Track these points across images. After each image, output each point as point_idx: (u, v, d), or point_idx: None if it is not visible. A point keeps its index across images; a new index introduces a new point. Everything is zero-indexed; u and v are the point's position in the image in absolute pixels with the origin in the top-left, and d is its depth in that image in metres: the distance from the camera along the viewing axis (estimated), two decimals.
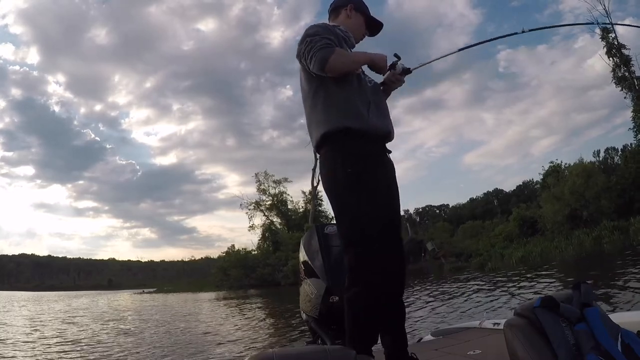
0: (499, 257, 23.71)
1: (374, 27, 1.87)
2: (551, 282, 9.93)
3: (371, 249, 1.52)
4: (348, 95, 1.62)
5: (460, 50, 2.02)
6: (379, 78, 1.82)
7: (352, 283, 1.57)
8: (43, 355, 6.73)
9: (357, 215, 1.55)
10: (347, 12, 1.82)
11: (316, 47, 1.57)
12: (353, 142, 1.58)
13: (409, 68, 1.82)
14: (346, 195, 1.58)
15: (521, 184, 53.25)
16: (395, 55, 1.79)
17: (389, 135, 1.72)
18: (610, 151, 32.70)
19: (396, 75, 1.79)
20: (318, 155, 1.71)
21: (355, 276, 1.56)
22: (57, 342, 8.04)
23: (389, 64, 1.75)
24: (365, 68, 1.75)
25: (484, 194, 61.74)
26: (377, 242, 1.52)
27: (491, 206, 55.66)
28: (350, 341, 1.58)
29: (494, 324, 2.40)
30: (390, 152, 1.75)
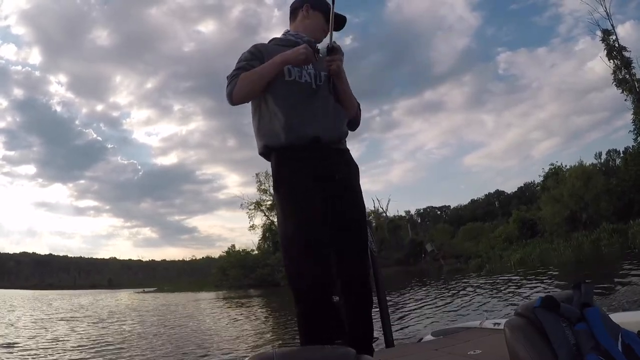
0: (497, 259, 23.70)
1: (336, 22, 1.69)
2: (547, 285, 9.94)
3: (294, 264, 1.54)
4: (272, 109, 1.60)
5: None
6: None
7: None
8: (43, 355, 6.74)
9: (281, 234, 1.59)
10: (304, 12, 1.77)
11: (229, 79, 1.60)
12: (278, 161, 1.59)
13: (332, 46, 1.60)
14: (279, 217, 1.61)
15: (522, 185, 53.14)
16: (310, 45, 1.61)
17: (317, 140, 1.59)
18: (612, 153, 32.63)
19: (327, 60, 1.61)
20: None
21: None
22: (57, 341, 8.04)
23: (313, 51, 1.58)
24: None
25: (485, 195, 61.65)
26: (298, 258, 1.53)
27: (492, 208, 55.62)
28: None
29: (494, 324, 2.40)
30: (344, 153, 1.70)
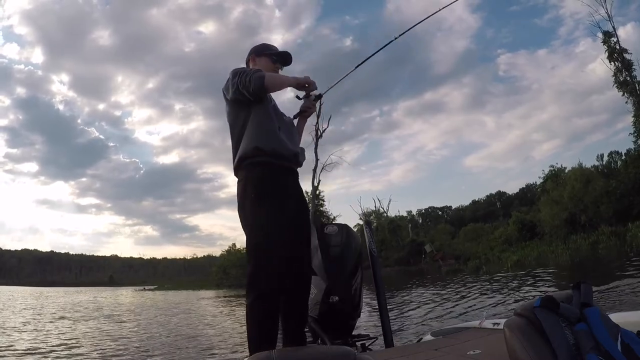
0: (496, 260, 23.67)
1: (283, 59, 2.12)
2: (541, 286, 9.94)
3: (267, 264, 1.72)
4: (263, 121, 1.88)
5: (357, 67, 2.30)
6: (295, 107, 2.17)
7: (249, 291, 1.76)
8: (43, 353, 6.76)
9: (257, 233, 1.77)
10: (252, 61, 2.11)
11: (250, 72, 1.85)
12: (262, 167, 1.82)
13: (320, 94, 2.19)
14: (251, 216, 1.80)
15: (524, 186, 53.08)
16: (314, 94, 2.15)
17: (296, 157, 1.96)
18: (613, 155, 32.51)
19: (311, 101, 2.14)
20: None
21: (250, 285, 1.76)
22: (56, 339, 8.07)
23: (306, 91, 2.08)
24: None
25: (487, 196, 61.62)
26: (273, 258, 1.72)
27: (494, 208, 55.57)
28: (250, 344, 1.72)
29: (494, 323, 2.40)
30: (297, 175, 2.01)
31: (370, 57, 2.35)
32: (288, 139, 1.93)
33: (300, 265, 1.88)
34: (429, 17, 2.44)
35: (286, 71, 2.16)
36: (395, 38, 2.34)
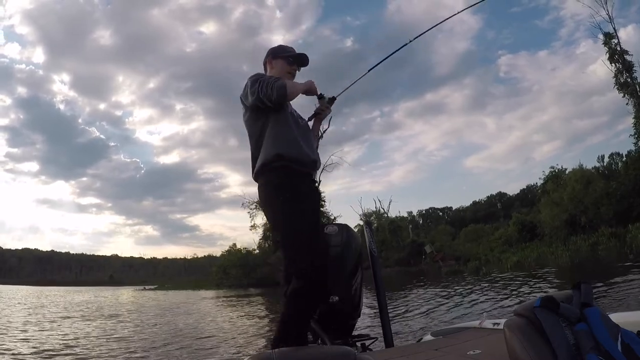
0: (496, 261, 23.64)
1: (299, 61, 2.18)
2: (540, 287, 9.94)
3: (301, 262, 1.84)
4: (283, 129, 1.95)
5: (370, 70, 2.37)
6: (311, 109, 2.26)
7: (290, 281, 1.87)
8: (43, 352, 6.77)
9: (289, 234, 1.89)
10: (269, 64, 2.18)
11: (271, 81, 1.88)
12: (284, 171, 1.90)
13: (334, 96, 2.25)
14: (280, 218, 1.91)
15: (525, 187, 53.07)
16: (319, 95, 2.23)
17: (315, 164, 2.05)
18: (614, 156, 32.44)
19: (325, 104, 2.21)
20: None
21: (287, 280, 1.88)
22: (59, 339, 8.07)
23: (318, 94, 2.18)
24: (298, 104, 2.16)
25: (487, 197, 61.62)
26: (305, 254, 1.84)
27: (494, 209, 55.58)
28: (286, 332, 1.83)
29: (494, 323, 2.40)
30: (317, 181, 2.11)
31: (384, 60, 2.43)
32: (307, 146, 2.01)
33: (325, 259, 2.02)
34: (447, 19, 2.49)
35: (301, 72, 2.22)
36: (410, 41, 2.40)
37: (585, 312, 1.21)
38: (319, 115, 2.26)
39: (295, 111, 2.15)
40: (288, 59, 2.14)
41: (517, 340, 1.22)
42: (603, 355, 1.09)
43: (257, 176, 1.99)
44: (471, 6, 2.43)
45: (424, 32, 2.47)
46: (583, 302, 1.24)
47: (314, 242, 1.89)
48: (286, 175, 1.91)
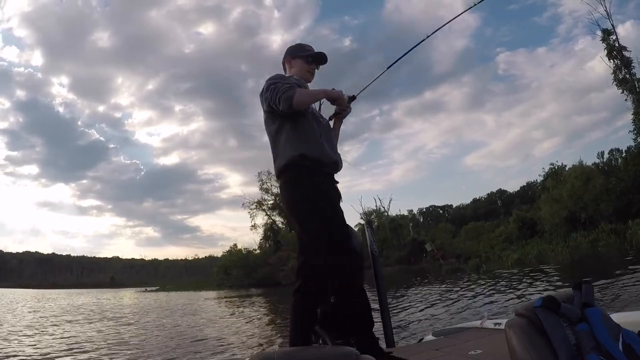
0: (496, 258, 23.64)
1: (318, 59, 2.19)
2: (541, 285, 9.94)
3: (321, 259, 1.88)
4: (304, 129, 1.98)
5: (389, 67, 2.39)
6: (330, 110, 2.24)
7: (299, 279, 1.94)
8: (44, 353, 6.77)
9: (309, 231, 1.92)
10: (288, 63, 2.21)
11: (281, 90, 1.91)
12: (307, 171, 1.93)
13: (354, 95, 2.26)
14: (299, 218, 1.95)
15: (525, 184, 53.09)
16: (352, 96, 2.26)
17: (336, 165, 2.08)
18: (614, 152, 32.44)
19: (345, 104, 2.19)
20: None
21: (300, 277, 1.94)
22: (63, 343, 8.08)
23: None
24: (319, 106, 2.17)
25: (488, 194, 61.59)
26: (321, 254, 1.88)
27: (495, 207, 55.54)
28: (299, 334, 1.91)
29: (495, 324, 2.40)
30: (337, 182, 2.13)
31: (403, 56, 2.46)
32: (329, 146, 2.05)
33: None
34: (457, 16, 2.53)
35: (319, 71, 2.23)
36: (427, 36, 2.42)
37: (586, 312, 1.21)
38: (340, 115, 2.27)
39: (316, 110, 2.15)
40: (307, 58, 2.16)
41: (518, 340, 1.22)
42: (604, 356, 1.08)
43: (278, 175, 2.03)
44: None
45: (443, 26, 2.50)
46: (584, 302, 1.24)
47: (332, 241, 1.91)
48: (308, 175, 1.94)
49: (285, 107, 1.88)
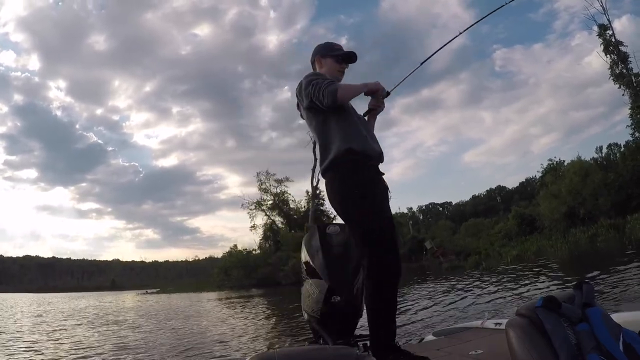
0: (496, 255, 23.64)
1: (348, 58, 2.19)
2: (540, 282, 9.96)
3: (381, 250, 1.95)
4: (348, 124, 1.99)
5: (422, 63, 2.40)
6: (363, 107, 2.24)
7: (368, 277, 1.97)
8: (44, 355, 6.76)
9: (364, 226, 1.93)
10: (317, 62, 2.20)
11: (324, 85, 1.92)
12: (355, 165, 1.93)
13: (388, 91, 2.23)
14: (353, 212, 1.96)
15: (524, 180, 53.19)
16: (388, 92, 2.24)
17: (381, 156, 2.09)
18: (612, 147, 32.51)
19: (380, 99, 2.18)
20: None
21: (369, 273, 1.96)
22: (65, 346, 8.06)
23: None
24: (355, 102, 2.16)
25: (487, 191, 61.72)
26: (384, 245, 1.94)
27: (494, 203, 55.64)
28: (380, 323, 1.96)
29: (496, 324, 2.40)
30: (383, 173, 2.11)
31: (437, 51, 2.49)
32: (372, 139, 2.07)
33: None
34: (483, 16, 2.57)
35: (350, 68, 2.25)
36: (460, 33, 2.45)
37: (586, 312, 1.20)
38: (374, 111, 2.25)
39: (351, 105, 2.16)
40: (337, 57, 2.17)
41: (518, 340, 1.22)
42: (605, 356, 1.08)
43: (325, 171, 2.02)
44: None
45: (475, 23, 2.57)
46: (585, 302, 1.24)
47: (386, 233, 1.96)
48: (356, 169, 1.95)
49: (330, 101, 1.89)
